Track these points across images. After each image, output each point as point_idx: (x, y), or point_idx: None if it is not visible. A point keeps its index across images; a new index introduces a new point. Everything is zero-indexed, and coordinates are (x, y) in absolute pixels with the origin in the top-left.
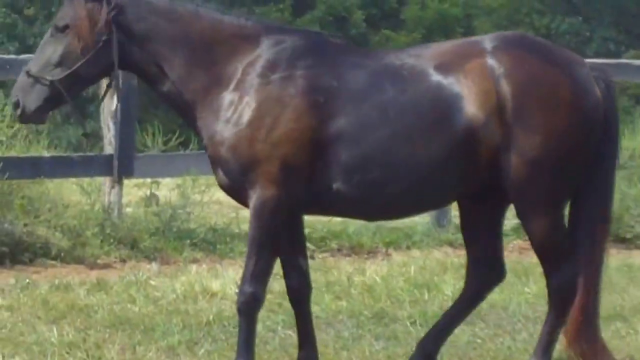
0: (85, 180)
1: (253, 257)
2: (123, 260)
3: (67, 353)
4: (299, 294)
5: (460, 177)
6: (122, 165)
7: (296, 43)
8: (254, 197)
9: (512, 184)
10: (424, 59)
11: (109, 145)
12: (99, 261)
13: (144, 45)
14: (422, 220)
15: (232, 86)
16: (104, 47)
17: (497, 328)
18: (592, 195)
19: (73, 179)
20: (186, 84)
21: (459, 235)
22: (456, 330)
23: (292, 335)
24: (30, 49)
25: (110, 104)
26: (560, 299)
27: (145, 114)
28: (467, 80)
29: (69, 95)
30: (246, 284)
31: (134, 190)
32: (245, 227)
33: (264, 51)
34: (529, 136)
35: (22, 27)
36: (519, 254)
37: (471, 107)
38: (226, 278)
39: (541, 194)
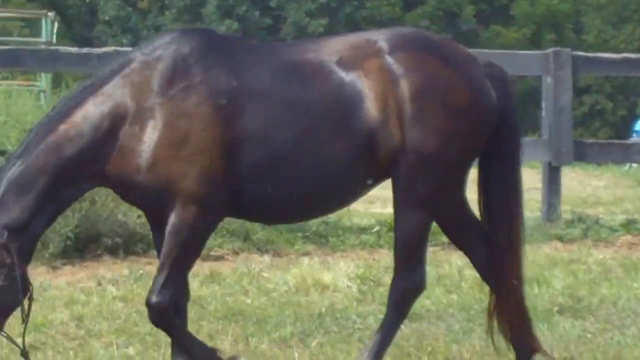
0: None
1: (165, 271)
2: (236, 252)
3: None
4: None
5: (363, 175)
6: None
7: (183, 49)
8: (172, 215)
9: (399, 179)
10: (325, 55)
11: None
12: (212, 253)
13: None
14: (531, 215)
15: (131, 119)
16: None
17: (606, 323)
18: (501, 193)
19: None
20: (105, 163)
21: (569, 231)
22: (566, 325)
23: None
24: None
25: None
26: (404, 301)
27: None
28: (368, 80)
29: None
30: (152, 295)
31: None
32: (357, 220)
33: (153, 71)
34: (424, 137)
35: (136, 20)
36: (628, 249)
37: (371, 107)
38: (338, 271)
39: (422, 192)
